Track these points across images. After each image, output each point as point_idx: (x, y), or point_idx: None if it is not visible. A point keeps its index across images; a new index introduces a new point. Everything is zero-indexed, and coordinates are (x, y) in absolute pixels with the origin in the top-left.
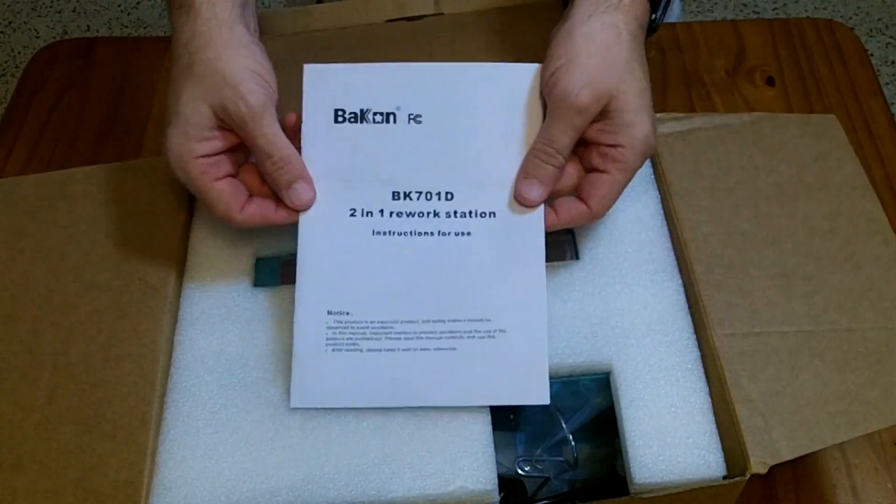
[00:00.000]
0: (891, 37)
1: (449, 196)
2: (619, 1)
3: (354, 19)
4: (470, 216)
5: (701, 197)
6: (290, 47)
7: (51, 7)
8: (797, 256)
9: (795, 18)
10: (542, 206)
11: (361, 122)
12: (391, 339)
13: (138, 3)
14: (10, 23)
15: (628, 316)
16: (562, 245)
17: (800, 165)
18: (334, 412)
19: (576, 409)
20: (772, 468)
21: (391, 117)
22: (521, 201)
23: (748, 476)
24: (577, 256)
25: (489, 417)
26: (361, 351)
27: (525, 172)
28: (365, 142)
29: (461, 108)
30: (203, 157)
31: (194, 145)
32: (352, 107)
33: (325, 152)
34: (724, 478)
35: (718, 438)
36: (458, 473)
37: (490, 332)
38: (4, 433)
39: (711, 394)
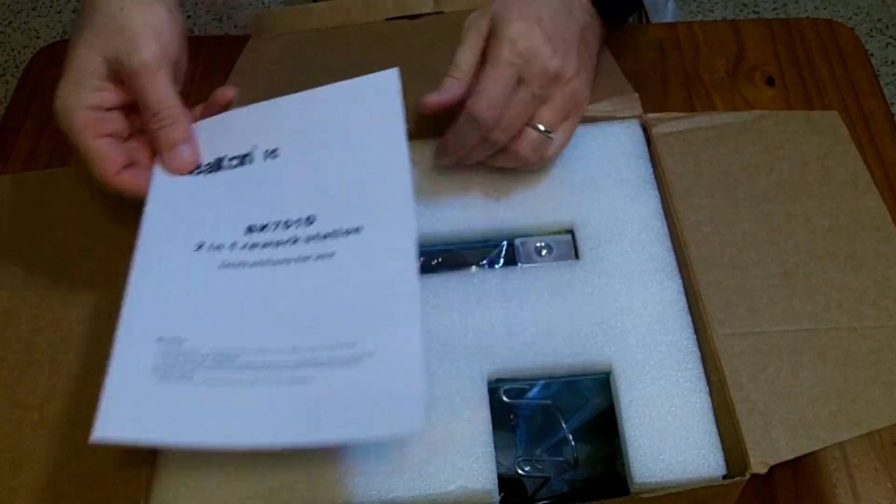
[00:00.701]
0: (891, 37)
1: (310, 220)
2: None
3: (354, 18)
4: (333, 236)
5: (701, 196)
6: (290, 46)
7: (51, 7)
8: (798, 255)
9: (795, 18)
10: (412, 220)
11: (217, 170)
12: (234, 370)
13: None
14: (10, 23)
15: (628, 316)
16: (561, 245)
17: (801, 163)
18: None
19: (576, 409)
20: (772, 468)
21: (246, 158)
22: (424, 102)
23: (748, 476)
24: (577, 256)
25: (489, 417)
26: (193, 381)
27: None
28: (220, 188)
29: (318, 132)
30: (91, 108)
31: (83, 94)
32: (207, 159)
33: (173, 201)
34: (724, 477)
35: (718, 438)
36: (458, 473)
37: (354, 357)
38: (3, 432)
39: (711, 394)
